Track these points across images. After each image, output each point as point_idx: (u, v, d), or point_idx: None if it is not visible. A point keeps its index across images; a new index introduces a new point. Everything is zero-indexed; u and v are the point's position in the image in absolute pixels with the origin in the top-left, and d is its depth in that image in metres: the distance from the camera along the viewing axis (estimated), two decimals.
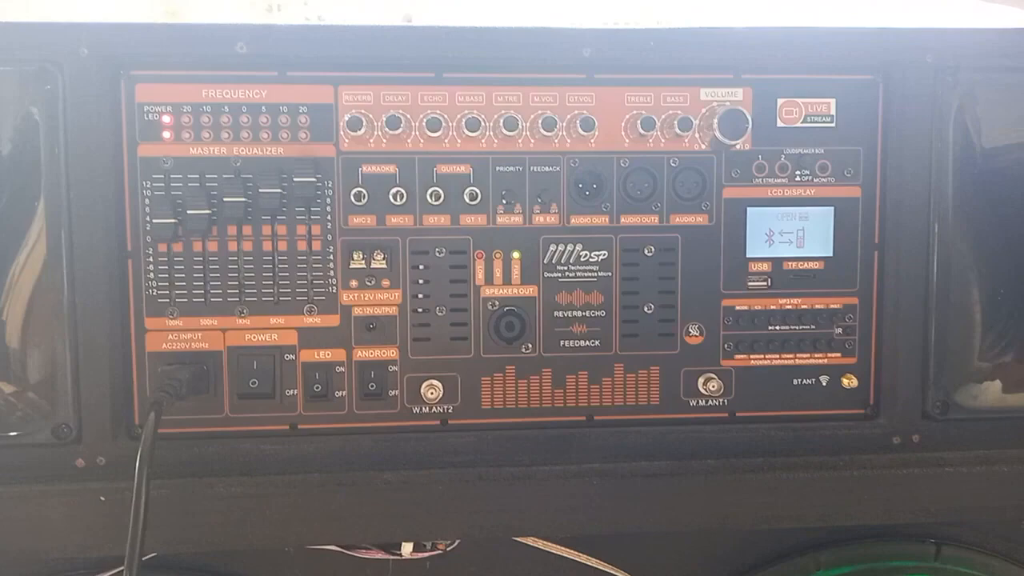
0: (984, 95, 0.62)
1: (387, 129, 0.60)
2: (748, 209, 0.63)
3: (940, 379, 0.64)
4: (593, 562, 0.68)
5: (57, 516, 0.58)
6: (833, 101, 0.63)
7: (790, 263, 0.64)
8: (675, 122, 0.61)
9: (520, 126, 0.61)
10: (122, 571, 0.52)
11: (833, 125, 0.63)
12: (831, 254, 0.64)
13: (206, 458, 0.61)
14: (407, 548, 0.64)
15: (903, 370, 0.64)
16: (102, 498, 0.58)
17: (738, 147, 0.62)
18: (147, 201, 0.60)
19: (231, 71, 0.59)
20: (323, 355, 0.62)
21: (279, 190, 0.60)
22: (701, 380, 0.64)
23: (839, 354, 0.65)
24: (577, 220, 0.62)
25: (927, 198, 0.63)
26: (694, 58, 0.62)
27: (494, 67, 0.61)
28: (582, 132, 0.61)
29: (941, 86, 0.62)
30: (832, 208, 0.64)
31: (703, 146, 0.62)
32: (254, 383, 0.61)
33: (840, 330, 0.65)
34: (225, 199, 0.59)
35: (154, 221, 0.59)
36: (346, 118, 0.60)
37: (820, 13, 0.78)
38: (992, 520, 0.68)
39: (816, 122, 0.63)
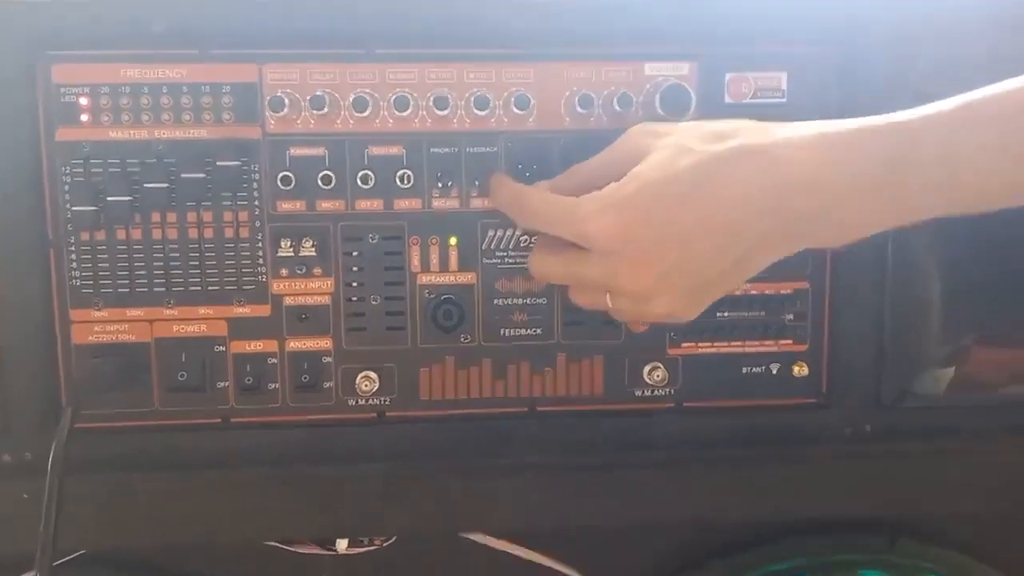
0: (946, 66, 0.59)
1: (314, 109, 0.57)
2: None
3: (894, 367, 0.62)
4: (537, 557, 0.67)
5: None
6: (784, 75, 0.60)
7: None
8: (615, 99, 0.58)
9: (454, 104, 0.58)
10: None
11: (784, 100, 0.60)
12: None
13: (136, 452, 0.59)
14: (342, 544, 0.62)
15: (856, 358, 0.62)
16: (25, 495, 0.57)
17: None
18: (67, 188, 0.57)
19: (149, 49, 0.57)
20: (254, 346, 0.60)
21: (203, 175, 0.58)
22: (646, 369, 0.62)
23: (790, 341, 0.63)
24: None
25: None
26: (637, 30, 0.59)
27: (426, 42, 0.58)
28: (518, 111, 0.58)
29: (900, 57, 0.59)
30: None
31: None
32: (183, 375, 0.60)
33: (791, 316, 0.62)
34: (147, 185, 0.57)
35: (73, 208, 0.57)
36: (268, 98, 0.57)
37: None
38: (947, 512, 0.66)
39: (766, 97, 0.60)
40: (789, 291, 0.62)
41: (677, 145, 0.49)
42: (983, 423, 0.63)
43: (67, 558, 0.58)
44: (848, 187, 0.46)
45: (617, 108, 0.58)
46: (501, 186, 0.57)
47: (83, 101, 0.57)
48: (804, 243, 0.50)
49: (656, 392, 0.62)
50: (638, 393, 0.62)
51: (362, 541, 0.63)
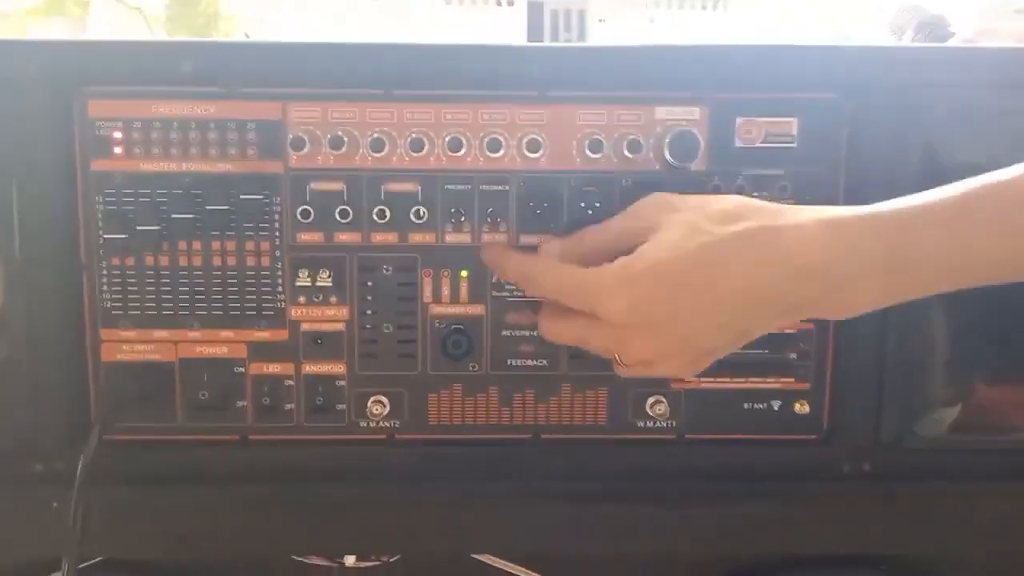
0: (951, 115, 0.60)
1: (332, 149, 0.60)
2: None
3: (895, 408, 0.63)
4: None
5: (11, 521, 0.60)
6: (795, 120, 0.61)
7: None
8: (625, 143, 0.60)
9: (469, 144, 0.60)
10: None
11: (794, 145, 0.61)
12: None
13: (159, 466, 0.63)
14: (350, 559, 0.65)
15: (857, 397, 0.63)
16: (55, 504, 0.60)
17: (691, 168, 0.61)
18: (100, 215, 0.60)
19: (180, 87, 0.60)
20: (272, 369, 0.63)
21: (227, 207, 0.60)
22: (649, 402, 0.64)
23: (792, 379, 0.64)
24: (527, 239, 0.62)
25: None
26: (649, 76, 0.60)
27: (442, 84, 0.60)
28: (531, 152, 0.60)
29: (907, 105, 0.60)
30: None
31: (656, 166, 0.61)
32: (205, 394, 0.63)
33: (794, 355, 0.63)
34: (174, 215, 0.60)
35: (105, 236, 0.60)
36: (291, 136, 0.59)
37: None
38: (944, 553, 0.67)
39: (776, 142, 0.61)
40: (793, 330, 0.63)
41: (687, 224, 0.51)
42: (983, 466, 0.64)
43: (89, 562, 0.62)
44: (855, 273, 0.48)
45: (627, 153, 0.60)
46: (505, 257, 0.60)
47: (117, 135, 0.60)
48: (805, 316, 0.54)
49: (658, 424, 0.64)
50: (640, 424, 0.64)
51: (370, 556, 0.66)
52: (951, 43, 1.00)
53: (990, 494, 0.64)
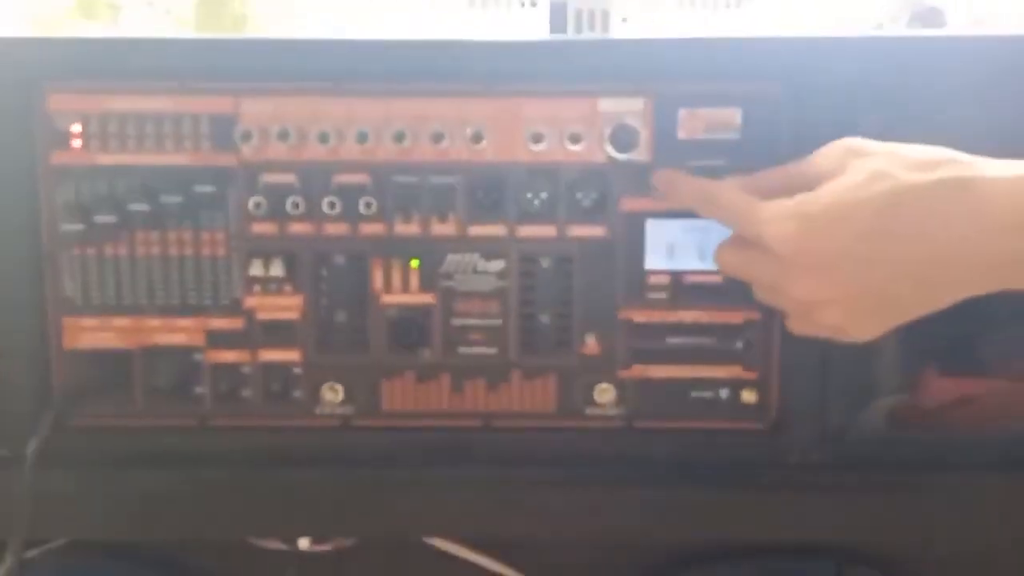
0: (894, 104, 0.60)
1: (280, 141, 0.61)
2: (647, 221, 0.63)
3: (842, 398, 0.63)
4: (489, 563, 0.70)
5: None
6: (739, 111, 0.62)
7: (691, 276, 0.63)
8: (566, 135, 0.61)
9: (416, 137, 0.61)
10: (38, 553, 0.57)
11: (738, 137, 0.62)
12: None
13: (118, 451, 0.65)
14: (303, 541, 0.67)
15: (804, 387, 0.64)
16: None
17: (635, 159, 0.62)
18: (59, 207, 0.62)
19: (135, 82, 0.61)
20: (229, 356, 0.65)
21: (182, 198, 0.62)
22: (597, 390, 0.65)
23: (740, 367, 0.65)
24: (475, 230, 0.63)
25: None
26: (590, 68, 0.61)
27: (391, 78, 0.61)
28: (477, 144, 0.61)
29: (852, 96, 0.60)
30: None
31: (600, 157, 0.62)
32: (164, 381, 0.65)
33: (741, 344, 0.64)
34: (131, 207, 0.62)
35: (64, 227, 0.62)
36: (241, 130, 0.61)
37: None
38: (893, 543, 0.67)
39: (720, 133, 0.62)
40: (739, 320, 0.64)
41: (876, 169, 0.48)
42: (931, 456, 0.64)
43: (53, 544, 0.64)
44: None
45: (569, 145, 0.61)
46: (680, 180, 0.59)
47: (75, 128, 0.62)
48: (1000, 284, 0.48)
49: (606, 412, 0.65)
50: (589, 412, 0.65)
51: (324, 540, 0.68)
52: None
53: (937, 484, 0.64)
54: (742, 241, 0.54)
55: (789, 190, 0.51)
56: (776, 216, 0.50)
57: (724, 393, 0.65)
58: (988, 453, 0.65)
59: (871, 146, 0.51)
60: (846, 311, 0.50)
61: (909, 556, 0.69)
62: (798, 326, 0.55)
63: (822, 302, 0.50)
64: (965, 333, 0.63)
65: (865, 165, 0.49)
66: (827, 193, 0.49)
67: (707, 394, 0.65)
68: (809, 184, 0.50)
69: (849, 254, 0.48)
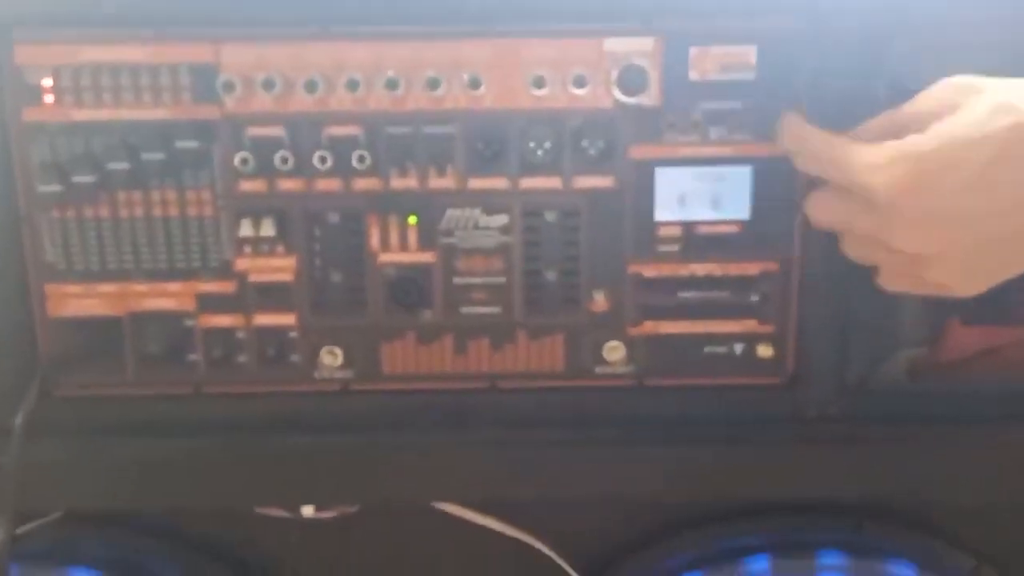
0: (918, 43, 0.56)
1: (270, 90, 0.57)
2: (657, 170, 0.59)
3: (860, 351, 0.61)
4: (497, 524, 0.69)
5: None
6: (753, 49, 0.58)
7: (703, 227, 0.60)
8: (570, 79, 0.57)
9: (407, 85, 0.57)
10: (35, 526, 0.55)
11: (753, 77, 0.58)
12: (748, 217, 0.60)
13: (112, 420, 0.62)
14: (307, 509, 0.65)
15: (822, 340, 0.61)
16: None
17: (643, 103, 0.58)
18: (35, 167, 0.59)
19: (107, 29, 0.57)
20: (222, 321, 0.62)
21: (164, 155, 0.59)
22: (606, 348, 0.62)
23: (755, 321, 0.62)
24: (475, 184, 0.60)
25: None
26: (596, 6, 0.57)
27: (380, 20, 0.57)
28: (475, 90, 0.57)
29: (873, 32, 0.56)
30: (750, 168, 0.59)
31: (607, 102, 0.58)
32: (155, 348, 0.62)
33: (757, 297, 0.61)
34: (110, 166, 0.58)
35: (41, 188, 0.59)
36: (223, 80, 0.57)
37: None
38: (913, 497, 0.66)
39: (734, 73, 0.58)
40: (755, 272, 0.61)
41: (996, 103, 0.43)
42: (952, 408, 0.62)
43: (50, 517, 0.62)
44: None
45: (574, 89, 0.57)
46: (791, 126, 0.53)
47: (46, 82, 0.58)
48: None
49: (616, 370, 0.63)
50: (598, 371, 0.63)
51: (328, 507, 0.66)
52: None
53: (957, 436, 0.62)
54: (840, 188, 0.49)
55: (895, 135, 0.46)
56: (882, 158, 0.44)
57: (739, 348, 0.62)
58: (1010, 404, 0.62)
59: (987, 82, 0.45)
60: (955, 267, 0.46)
61: (931, 509, 0.68)
62: (895, 281, 0.50)
63: (929, 256, 0.45)
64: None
65: (985, 99, 0.44)
66: (942, 132, 0.44)
67: (721, 349, 0.62)
68: (919, 127, 0.45)
69: (963, 202, 0.43)
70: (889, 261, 0.49)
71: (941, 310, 0.62)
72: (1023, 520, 0.68)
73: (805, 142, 0.52)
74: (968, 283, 0.47)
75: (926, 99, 0.48)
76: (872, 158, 0.45)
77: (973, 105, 0.44)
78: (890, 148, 0.45)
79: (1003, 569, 0.71)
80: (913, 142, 0.45)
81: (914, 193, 0.44)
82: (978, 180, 0.43)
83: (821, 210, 0.52)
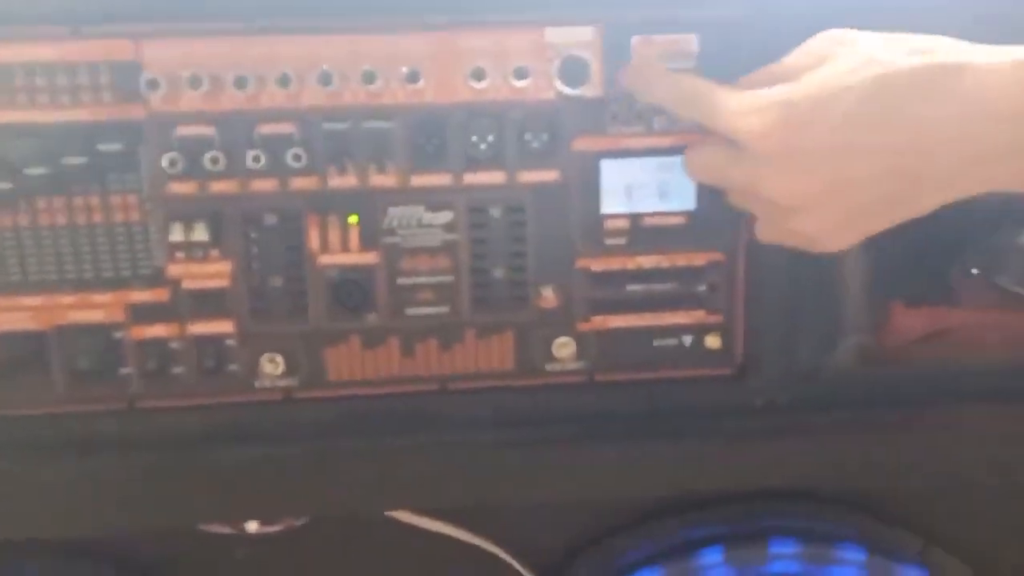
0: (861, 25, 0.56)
1: (197, 87, 0.55)
2: (602, 162, 0.58)
3: (808, 340, 0.61)
4: (452, 531, 0.67)
5: None
6: (695, 37, 0.57)
7: (650, 219, 0.60)
8: (511, 71, 0.56)
9: (343, 79, 0.55)
10: None
11: (694, 65, 0.57)
12: (694, 207, 0.60)
13: (40, 439, 0.59)
14: (251, 525, 0.63)
15: (770, 330, 0.61)
16: None
17: (587, 95, 0.57)
18: None
19: (20, 28, 0.54)
20: (155, 331, 0.59)
21: (86, 158, 0.56)
22: (556, 344, 0.61)
23: (703, 312, 0.61)
24: (418, 180, 0.58)
25: None
26: None
27: (315, 12, 0.55)
28: (413, 83, 0.56)
29: (816, 20, 0.56)
30: None
31: (549, 94, 0.57)
32: (84, 363, 0.59)
33: (704, 287, 0.61)
34: (27, 171, 0.55)
35: None
36: (146, 78, 0.54)
37: None
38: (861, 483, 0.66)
39: (676, 62, 0.57)
40: (702, 262, 0.61)
41: (864, 54, 0.45)
42: (898, 395, 0.63)
43: None
44: None
45: (515, 81, 0.56)
46: (659, 77, 0.54)
47: None
48: (988, 183, 0.45)
49: (567, 367, 0.62)
50: (549, 368, 0.62)
51: (274, 521, 0.64)
52: None
53: (903, 422, 0.63)
54: (715, 140, 0.51)
55: (768, 86, 0.48)
56: (753, 106, 0.46)
57: (688, 340, 0.62)
58: (955, 387, 0.63)
59: (859, 35, 0.48)
60: (822, 217, 0.48)
61: (879, 493, 0.69)
62: (768, 233, 0.52)
63: (796, 207, 0.47)
64: (933, 264, 0.61)
65: (854, 51, 0.46)
66: (810, 81, 0.46)
67: (670, 342, 0.62)
68: (794, 78, 0.47)
69: (830, 146, 0.45)
70: (763, 212, 0.51)
71: (886, 296, 0.62)
72: (969, 501, 0.70)
73: (677, 87, 0.53)
74: (835, 235, 0.49)
75: (801, 52, 0.50)
76: (741, 105, 0.47)
77: (842, 56, 0.46)
78: (760, 95, 0.47)
79: (950, 548, 0.72)
80: (782, 90, 0.46)
81: (782, 139, 0.46)
82: (842, 128, 0.45)
83: (697, 165, 0.54)
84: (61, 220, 0.57)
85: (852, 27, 0.54)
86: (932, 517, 0.71)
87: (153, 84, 0.54)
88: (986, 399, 0.62)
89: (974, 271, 0.63)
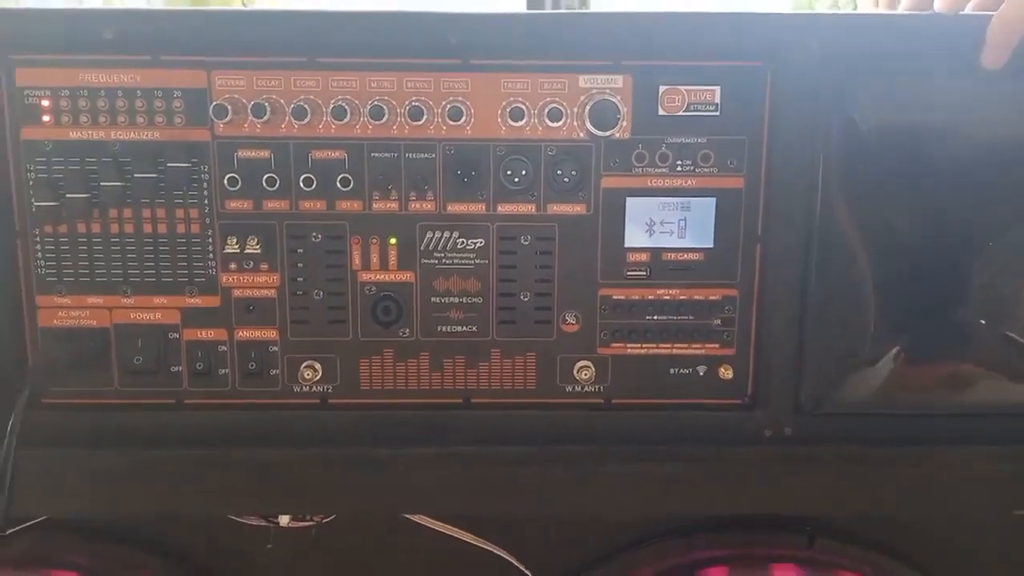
0: (870, 82, 0.60)
1: (255, 117, 0.60)
2: (627, 199, 0.62)
3: (814, 374, 0.64)
4: (469, 537, 0.71)
5: None
6: (718, 89, 0.61)
7: (669, 254, 0.63)
8: (546, 112, 0.60)
9: (394, 113, 0.61)
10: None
11: (717, 114, 0.61)
12: (712, 245, 0.63)
13: (96, 429, 0.64)
14: (284, 518, 0.67)
15: (779, 363, 0.64)
16: None
17: (615, 136, 0.61)
18: (31, 183, 0.61)
19: (105, 55, 0.60)
20: (205, 334, 0.64)
21: (155, 174, 0.61)
22: (576, 367, 0.65)
23: (717, 344, 0.65)
24: (454, 208, 0.63)
25: (811, 190, 0.61)
26: (572, 44, 0.60)
27: (367, 52, 0.60)
28: (454, 120, 0.60)
29: (829, 74, 0.60)
30: (714, 199, 0.63)
31: (581, 134, 0.61)
32: (139, 359, 0.64)
33: (719, 321, 0.65)
34: (103, 183, 0.61)
35: (36, 204, 0.61)
36: (214, 105, 0.60)
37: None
38: (863, 514, 0.69)
39: (699, 111, 0.61)
40: (717, 297, 0.64)
41: None
42: (901, 430, 0.65)
43: (32, 522, 0.63)
44: None
45: (549, 122, 0.60)
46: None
47: (45, 103, 0.60)
48: None
49: (585, 389, 0.65)
50: (568, 389, 0.65)
51: (304, 517, 0.68)
52: None
53: (907, 458, 0.65)
54: None
55: None
56: None
57: (702, 370, 0.65)
58: (959, 426, 0.66)
59: None
60: None
61: (881, 525, 0.71)
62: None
63: None
64: (940, 312, 0.64)
65: None
66: None
67: (685, 371, 0.65)
68: None
69: None
70: None
71: (892, 336, 0.65)
72: (970, 535, 0.71)
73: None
74: None
75: None
76: None
77: None
78: None
79: None
80: None
81: None
82: None
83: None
84: (128, 229, 0.62)
85: (863, 79, 0.58)
86: (933, 550, 0.73)
87: (220, 111, 0.60)
88: (987, 441, 0.64)
89: (982, 321, 0.65)
